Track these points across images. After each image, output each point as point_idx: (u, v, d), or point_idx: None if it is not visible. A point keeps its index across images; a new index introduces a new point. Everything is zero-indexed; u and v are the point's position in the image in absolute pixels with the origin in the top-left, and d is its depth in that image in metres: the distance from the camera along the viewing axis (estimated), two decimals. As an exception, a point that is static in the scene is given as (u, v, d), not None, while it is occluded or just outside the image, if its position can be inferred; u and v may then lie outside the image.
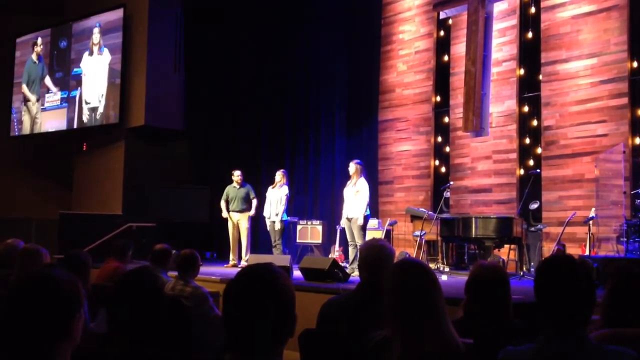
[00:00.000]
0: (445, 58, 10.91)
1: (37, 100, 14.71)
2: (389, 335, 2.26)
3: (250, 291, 1.73)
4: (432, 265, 8.48)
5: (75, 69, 14.08)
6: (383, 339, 2.29)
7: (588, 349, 1.98)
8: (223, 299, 1.77)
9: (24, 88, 14.88)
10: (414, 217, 10.21)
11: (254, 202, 9.83)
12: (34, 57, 14.86)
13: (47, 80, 14.60)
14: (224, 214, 9.89)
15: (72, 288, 1.83)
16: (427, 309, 2.21)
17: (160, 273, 5.27)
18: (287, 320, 1.74)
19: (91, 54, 13.78)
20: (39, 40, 14.80)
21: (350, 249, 8.52)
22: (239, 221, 9.80)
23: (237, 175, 9.93)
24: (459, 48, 10.38)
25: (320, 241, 10.80)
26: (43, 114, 14.55)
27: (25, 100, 14.88)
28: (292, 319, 1.76)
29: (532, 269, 8.79)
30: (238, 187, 9.88)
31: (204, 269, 6.34)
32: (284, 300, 1.75)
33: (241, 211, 9.78)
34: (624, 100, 8.71)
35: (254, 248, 10.68)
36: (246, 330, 1.70)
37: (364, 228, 8.41)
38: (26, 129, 14.80)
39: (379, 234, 9.94)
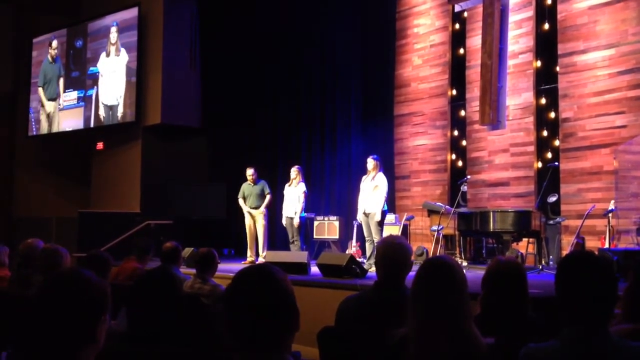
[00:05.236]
0: (461, 51, 10.85)
1: (54, 100, 14.83)
2: (407, 334, 2.26)
3: (247, 290, 1.74)
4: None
5: (91, 68, 14.17)
6: (402, 338, 2.28)
7: (611, 345, 1.96)
8: (223, 303, 1.76)
9: (40, 89, 15.01)
10: (431, 212, 10.17)
11: (267, 198, 9.81)
12: (49, 57, 14.98)
13: (60, 83, 14.72)
14: (245, 209, 9.90)
15: (101, 291, 1.84)
16: (448, 310, 2.20)
17: (174, 271, 5.27)
18: (289, 315, 1.74)
19: (108, 54, 13.86)
20: (54, 42, 14.91)
21: (367, 244, 8.48)
22: (255, 218, 9.81)
23: (250, 173, 9.91)
24: (475, 41, 10.30)
25: (337, 237, 10.79)
26: (60, 113, 14.67)
27: (41, 100, 15.01)
28: (293, 313, 1.75)
29: (551, 263, 8.74)
30: (252, 184, 9.88)
31: (221, 266, 6.34)
32: (282, 295, 1.75)
33: (257, 208, 9.77)
34: (643, 91, 8.61)
35: (272, 245, 10.68)
36: (249, 329, 1.70)
37: (381, 223, 8.36)
38: (44, 128, 14.93)
39: (396, 229, 9.91)
